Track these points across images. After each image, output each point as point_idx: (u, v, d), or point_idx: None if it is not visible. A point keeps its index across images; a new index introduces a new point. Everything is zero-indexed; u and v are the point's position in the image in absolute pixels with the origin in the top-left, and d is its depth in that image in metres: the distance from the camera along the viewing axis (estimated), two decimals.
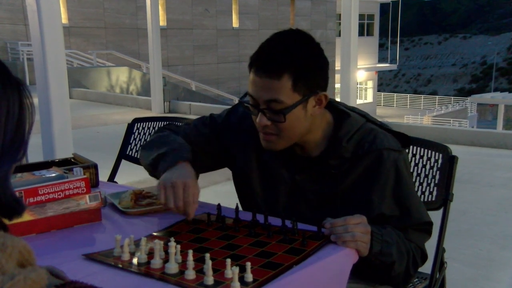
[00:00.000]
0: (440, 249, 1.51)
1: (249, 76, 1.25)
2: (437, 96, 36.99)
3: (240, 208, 1.27)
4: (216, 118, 1.51)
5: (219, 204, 1.29)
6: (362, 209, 1.25)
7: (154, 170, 1.36)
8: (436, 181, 1.59)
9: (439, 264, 1.51)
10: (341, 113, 1.35)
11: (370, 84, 27.86)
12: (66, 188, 1.27)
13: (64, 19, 15.63)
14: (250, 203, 1.45)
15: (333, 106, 1.37)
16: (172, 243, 0.99)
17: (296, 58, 1.21)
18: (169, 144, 1.38)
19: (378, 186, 1.27)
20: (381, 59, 33.28)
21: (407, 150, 1.49)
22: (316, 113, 1.28)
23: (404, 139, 1.36)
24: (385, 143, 1.29)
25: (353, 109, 1.38)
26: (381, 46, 36.92)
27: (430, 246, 1.40)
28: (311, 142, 1.33)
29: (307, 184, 1.33)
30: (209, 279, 0.94)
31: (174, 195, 1.22)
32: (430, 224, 1.33)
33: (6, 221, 0.69)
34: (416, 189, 1.56)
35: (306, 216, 1.32)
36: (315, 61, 1.25)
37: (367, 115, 1.38)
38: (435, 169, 1.60)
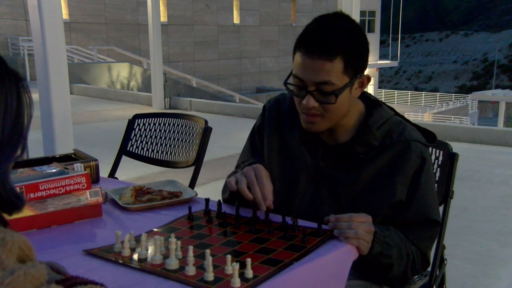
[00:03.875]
0: (440, 246, 1.51)
1: (296, 58, 1.24)
2: (438, 93, 36.94)
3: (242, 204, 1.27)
4: (255, 126, 1.53)
5: (219, 201, 1.29)
6: (385, 197, 1.28)
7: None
8: (437, 178, 1.59)
9: (439, 260, 1.51)
10: (373, 103, 1.37)
11: (371, 81, 27.80)
12: (66, 183, 1.27)
13: (65, 15, 15.59)
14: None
15: (365, 96, 1.39)
16: (173, 239, 0.99)
17: (348, 40, 1.22)
18: (240, 165, 1.44)
19: (403, 176, 1.29)
20: (382, 56, 33.23)
21: None
22: (357, 95, 1.31)
23: (430, 137, 1.38)
24: (413, 135, 1.32)
25: (384, 103, 1.41)
26: (382, 43, 36.82)
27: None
28: (342, 127, 1.34)
29: (331, 171, 1.34)
30: (210, 275, 0.94)
31: (247, 179, 1.25)
32: (435, 222, 1.32)
33: (6, 216, 0.69)
34: None
35: (326, 202, 1.33)
36: (363, 44, 1.26)
37: (395, 110, 1.41)
38: (435, 166, 1.60)
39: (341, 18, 1.26)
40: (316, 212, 1.31)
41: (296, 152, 1.39)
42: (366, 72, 1.30)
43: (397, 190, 1.28)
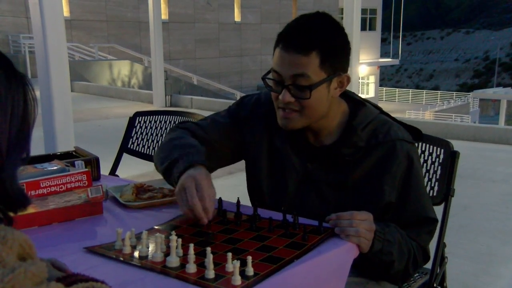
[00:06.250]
0: (440, 244, 1.51)
1: (275, 54, 1.26)
2: (439, 91, 36.91)
3: (243, 202, 1.27)
4: (233, 110, 1.50)
5: (220, 198, 1.29)
6: (373, 198, 1.27)
7: (168, 178, 1.30)
8: (438, 176, 1.59)
9: (440, 259, 1.51)
10: (357, 103, 1.37)
11: (372, 79, 27.75)
12: (67, 181, 1.27)
13: (66, 12, 15.59)
14: (258, 192, 1.45)
15: (349, 96, 1.39)
16: (174, 237, 1.00)
17: (325, 37, 1.23)
18: (181, 149, 1.30)
19: (390, 176, 1.28)
20: (383, 54, 33.13)
21: None
22: (336, 95, 1.30)
23: (416, 134, 1.37)
24: (399, 134, 1.31)
25: (368, 101, 1.40)
26: (384, 40, 36.82)
27: (431, 241, 1.40)
28: (325, 129, 1.33)
29: (318, 173, 1.34)
30: (210, 273, 0.94)
31: (187, 196, 1.15)
32: (431, 220, 1.32)
33: (11, 214, 0.70)
34: None
35: (315, 205, 1.33)
36: (342, 42, 1.27)
37: (381, 108, 1.40)
38: (436, 164, 1.60)
39: (321, 17, 1.27)
40: (305, 215, 1.29)
41: (283, 154, 1.38)
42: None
43: (385, 192, 1.28)
